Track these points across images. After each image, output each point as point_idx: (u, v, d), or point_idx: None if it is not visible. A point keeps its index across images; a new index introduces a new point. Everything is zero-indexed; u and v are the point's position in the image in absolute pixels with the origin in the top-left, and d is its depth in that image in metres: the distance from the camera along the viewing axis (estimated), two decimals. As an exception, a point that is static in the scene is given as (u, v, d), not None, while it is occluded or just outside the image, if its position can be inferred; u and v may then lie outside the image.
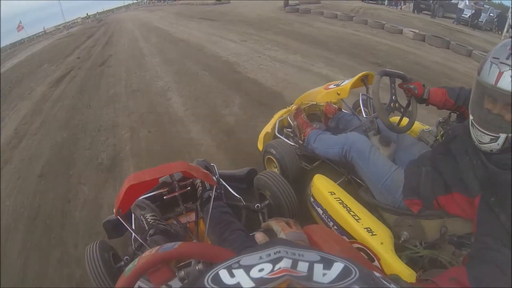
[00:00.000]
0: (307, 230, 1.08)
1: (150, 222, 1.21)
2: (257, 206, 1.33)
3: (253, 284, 0.31)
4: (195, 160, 1.48)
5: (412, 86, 1.35)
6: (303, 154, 1.66)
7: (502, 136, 0.87)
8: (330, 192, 1.32)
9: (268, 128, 1.79)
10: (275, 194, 1.35)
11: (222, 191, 1.36)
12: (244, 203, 1.36)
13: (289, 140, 1.71)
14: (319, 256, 0.36)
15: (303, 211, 1.50)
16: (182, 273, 0.67)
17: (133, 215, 1.31)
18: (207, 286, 0.32)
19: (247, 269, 0.34)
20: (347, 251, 0.98)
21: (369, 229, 1.20)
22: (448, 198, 1.08)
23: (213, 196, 1.14)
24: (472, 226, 1.12)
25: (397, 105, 1.41)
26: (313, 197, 1.39)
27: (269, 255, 0.36)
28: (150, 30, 10.21)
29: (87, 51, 8.52)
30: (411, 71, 3.87)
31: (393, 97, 1.41)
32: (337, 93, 1.50)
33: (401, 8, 11.87)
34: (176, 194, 1.25)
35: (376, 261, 1.17)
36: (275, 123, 1.78)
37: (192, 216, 1.30)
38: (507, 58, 0.80)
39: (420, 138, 1.59)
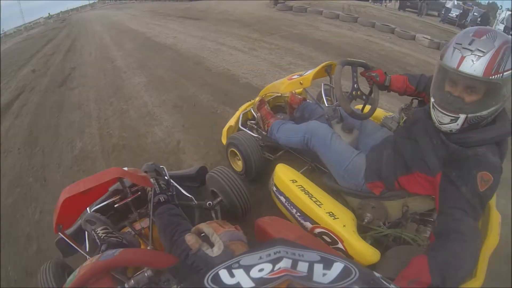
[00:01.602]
0: (259, 223, 1.22)
1: (102, 237, 1.25)
2: (209, 203, 1.43)
3: (253, 284, 0.33)
4: (144, 164, 1.53)
5: (374, 74, 1.53)
6: (266, 145, 1.82)
7: (462, 116, 1.01)
8: (292, 180, 1.45)
9: (232, 121, 1.94)
10: (226, 190, 1.47)
11: (174, 193, 1.44)
12: (195, 202, 1.45)
13: (253, 132, 1.86)
14: (319, 256, 0.39)
15: (268, 201, 1.64)
16: (131, 282, 0.72)
17: (86, 231, 1.36)
18: (207, 286, 0.34)
19: (247, 269, 0.36)
20: (302, 239, 1.08)
21: (331, 213, 1.34)
22: (409, 178, 1.25)
23: (152, 200, 1.24)
24: (432, 203, 1.29)
25: (359, 93, 1.59)
26: (276, 186, 1.52)
27: (269, 255, 0.39)
28: (122, 32, 9.06)
29: (44, 61, 7.33)
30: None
31: (355, 85, 1.58)
32: (300, 82, 1.66)
33: (386, 6, 12.67)
34: (127, 200, 1.32)
35: (339, 243, 1.30)
36: (239, 116, 1.93)
37: (147, 221, 1.36)
38: (469, 44, 0.95)
39: (383, 124, 1.78)
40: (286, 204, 1.50)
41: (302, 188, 1.42)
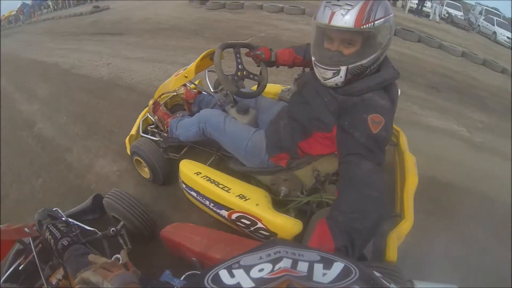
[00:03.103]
0: (164, 234, 1.25)
1: None
2: (113, 230, 1.44)
3: (253, 284, 0.35)
4: (36, 212, 1.49)
5: (258, 52, 1.63)
6: (170, 145, 1.88)
7: (343, 68, 1.10)
8: (196, 173, 1.51)
9: (133, 131, 1.97)
10: (123, 213, 1.51)
11: (77, 231, 1.43)
12: (99, 233, 1.45)
13: (155, 136, 1.91)
14: (319, 256, 0.41)
15: (184, 200, 1.69)
16: None
17: None
18: (207, 286, 0.36)
19: (247, 269, 0.38)
20: (207, 237, 1.16)
21: (241, 195, 1.40)
22: (309, 141, 1.35)
23: (34, 247, 1.23)
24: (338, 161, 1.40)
25: (245, 73, 1.68)
26: (184, 183, 1.58)
27: (269, 255, 0.41)
28: (22, 67, 6.05)
29: None
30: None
31: (239, 66, 1.68)
32: (185, 76, 1.73)
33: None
34: (29, 258, 1.28)
35: (259, 222, 1.37)
36: (139, 124, 1.96)
37: (62, 271, 1.32)
38: (338, 0, 1.03)
39: (281, 98, 1.91)
40: (198, 198, 1.56)
41: (208, 178, 1.48)
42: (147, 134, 1.93)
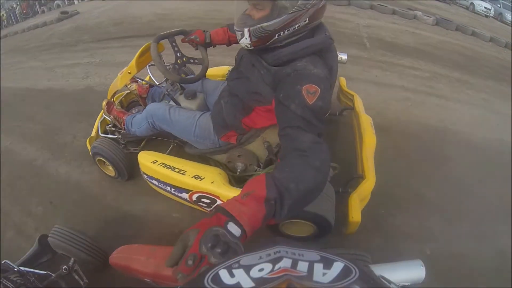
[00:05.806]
0: (112, 261, 1.32)
1: None
2: (65, 268, 1.46)
3: (253, 284, 0.35)
4: None
5: (193, 37, 1.72)
6: (129, 140, 1.99)
7: (245, 30, 1.13)
8: (153, 161, 1.62)
9: (92, 133, 2.07)
10: (69, 249, 1.52)
11: (33, 278, 1.42)
12: (53, 275, 1.47)
13: (115, 135, 2.02)
14: (319, 255, 0.41)
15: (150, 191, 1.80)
16: None
17: None
18: (207, 286, 0.36)
19: (247, 269, 0.38)
20: (153, 255, 1.14)
21: (196, 176, 1.52)
22: (251, 117, 1.43)
23: None
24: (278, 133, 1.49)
25: (184, 59, 1.79)
26: (145, 174, 1.70)
27: (269, 255, 0.42)
28: (17, 111, 3.22)
29: None
30: None
31: (178, 54, 1.78)
32: (128, 72, 1.83)
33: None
34: None
35: (217, 200, 1.49)
36: (97, 125, 2.06)
37: None
38: None
39: (228, 78, 1.99)
40: (159, 185, 1.68)
41: (164, 165, 1.60)
42: (107, 134, 2.03)
